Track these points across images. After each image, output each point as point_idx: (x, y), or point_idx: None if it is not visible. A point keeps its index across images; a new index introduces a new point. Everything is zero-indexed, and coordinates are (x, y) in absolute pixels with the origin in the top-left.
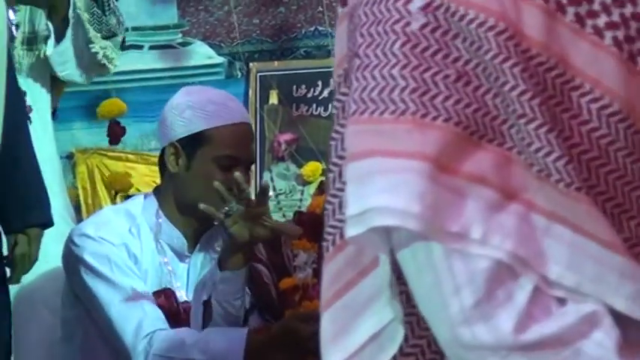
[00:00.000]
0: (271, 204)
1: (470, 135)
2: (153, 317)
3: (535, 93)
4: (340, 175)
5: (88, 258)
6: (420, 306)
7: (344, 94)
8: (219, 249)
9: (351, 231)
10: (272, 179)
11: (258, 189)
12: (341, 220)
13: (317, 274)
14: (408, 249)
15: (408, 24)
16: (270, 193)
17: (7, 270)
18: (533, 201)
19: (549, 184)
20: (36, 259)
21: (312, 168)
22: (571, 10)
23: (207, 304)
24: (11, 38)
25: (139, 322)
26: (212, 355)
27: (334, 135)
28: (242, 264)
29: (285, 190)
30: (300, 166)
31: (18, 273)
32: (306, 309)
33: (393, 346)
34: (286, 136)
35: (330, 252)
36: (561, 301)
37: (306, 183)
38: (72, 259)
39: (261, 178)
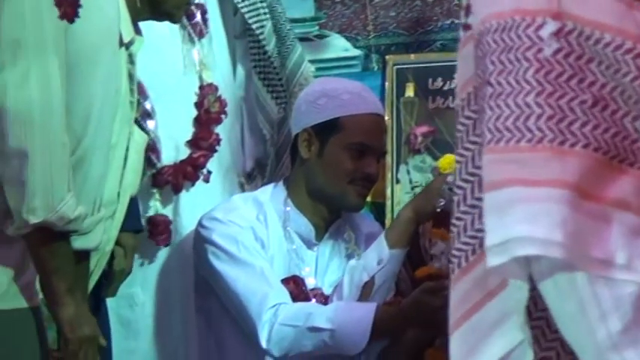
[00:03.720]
0: (407, 196)
1: (609, 160)
2: (279, 291)
3: None
4: (465, 197)
5: (216, 239)
6: (564, 332)
7: (468, 118)
8: (347, 238)
9: (493, 260)
10: (408, 172)
11: (393, 181)
12: (466, 243)
13: None
14: (549, 276)
15: (540, 50)
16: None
17: None
18: None
19: None
20: (130, 272)
21: (449, 160)
22: None
23: (365, 286)
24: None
25: (264, 294)
26: (339, 325)
27: (459, 158)
28: (409, 243)
29: (422, 183)
30: (436, 158)
31: (115, 287)
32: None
33: None
34: (422, 129)
35: (457, 274)
36: None
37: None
38: (200, 241)
39: (397, 170)
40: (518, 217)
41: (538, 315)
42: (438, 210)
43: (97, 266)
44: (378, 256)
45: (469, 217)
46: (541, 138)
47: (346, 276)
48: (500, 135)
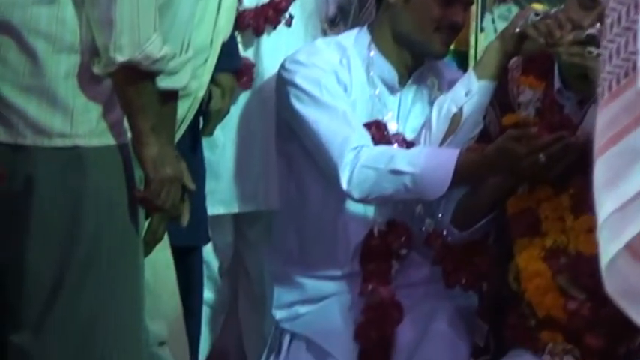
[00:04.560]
0: None
1: None
2: (361, 134)
3: None
4: (619, 20)
5: (299, 81)
6: None
7: None
8: (430, 84)
9: None
10: (493, 20)
11: (477, 29)
12: (618, 66)
13: (539, 113)
14: None
15: None
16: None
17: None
18: None
19: None
20: (228, 112)
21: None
22: None
23: (453, 118)
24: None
25: (346, 136)
26: (421, 169)
27: None
28: (498, 76)
29: None
30: (522, 7)
31: (212, 126)
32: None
33: None
34: None
35: (606, 97)
36: None
37: None
38: (283, 84)
39: (482, 19)
40: None
41: None
42: (518, 30)
43: (189, 110)
44: (466, 88)
45: (622, 40)
46: None
47: (434, 108)
48: None
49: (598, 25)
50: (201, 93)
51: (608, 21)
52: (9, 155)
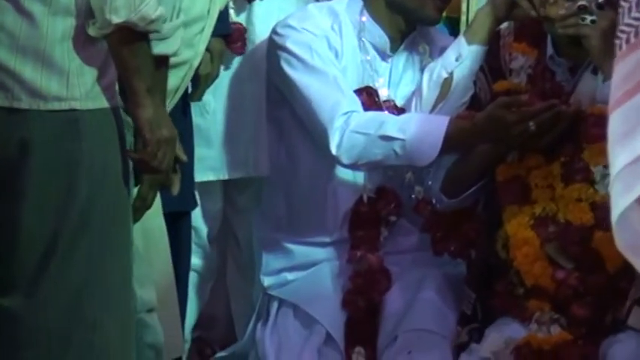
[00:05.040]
0: None
1: None
2: (351, 99)
3: None
4: None
5: (290, 46)
6: None
7: None
8: (422, 50)
9: None
10: None
11: None
12: (637, 19)
13: (531, 79)
14: None
15: None
16: None
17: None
18: None
19: None
20: (217, 76)
21: None
22: None
23: (444, 83)
24: None
25: (336, 101)
26: (411, 135)
27: None
28: (488, 40)
29: None
30: None
31: (201, 91)
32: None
33: None
34: None
35: (623, 50)
36: None
37: None
38: (274, 48)
39: None
40: None
41: None
42: None
43: (184, 79)
44: (456, 53)
45: None
46: None
47: (425, 74)
48: None
49: None
50: (197, 62)
51: None
52: (4, 119)
